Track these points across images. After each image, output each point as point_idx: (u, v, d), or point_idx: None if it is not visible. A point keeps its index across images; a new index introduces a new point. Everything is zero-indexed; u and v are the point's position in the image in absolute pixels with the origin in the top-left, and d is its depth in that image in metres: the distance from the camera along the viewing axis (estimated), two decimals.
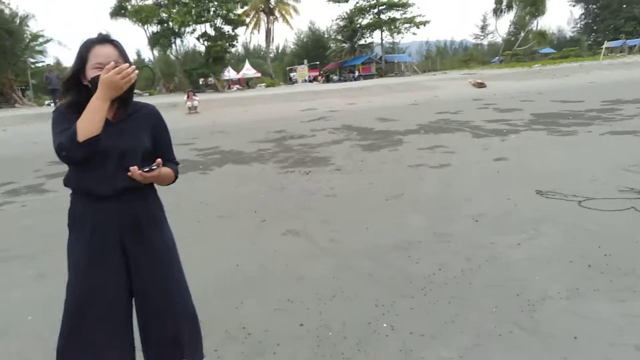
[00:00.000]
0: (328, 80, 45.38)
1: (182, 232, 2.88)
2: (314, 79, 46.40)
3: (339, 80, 44.06)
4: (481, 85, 19.80)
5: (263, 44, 48.21)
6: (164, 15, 33.14)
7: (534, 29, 53.10)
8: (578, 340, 2.49)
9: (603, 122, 9.65)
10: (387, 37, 50.07)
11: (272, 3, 41.87)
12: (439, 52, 65.66)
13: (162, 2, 33.03)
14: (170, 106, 21.53)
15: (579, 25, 74.04)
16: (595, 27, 71.37)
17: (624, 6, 66.20)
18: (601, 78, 21.72)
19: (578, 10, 73.27)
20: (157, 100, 22.33)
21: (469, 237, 4.08)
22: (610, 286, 3.04)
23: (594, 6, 71.82)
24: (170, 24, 33.37)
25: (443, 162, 7.10)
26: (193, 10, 32.01)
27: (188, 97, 19.19)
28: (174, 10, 32.13)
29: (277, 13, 42.08)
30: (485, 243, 3.90)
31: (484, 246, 3.84)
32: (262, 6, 40.84)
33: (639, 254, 3.48)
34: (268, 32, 42.68)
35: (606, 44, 52.52)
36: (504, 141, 8.45)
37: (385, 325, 2.78)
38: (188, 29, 34.92)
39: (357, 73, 44.72)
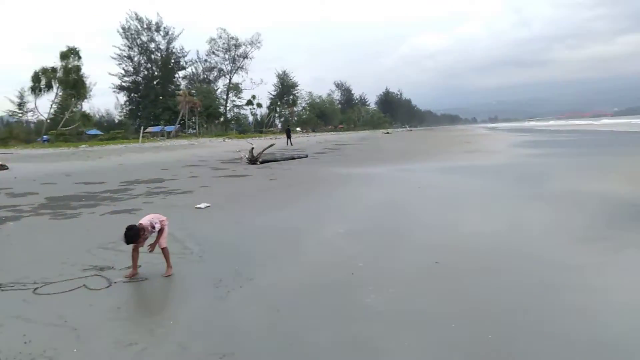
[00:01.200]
0: None
1: None
2: None
3: None
4: (2, 167, 17.96)
5: None
6: None
7: (79, 110, 54.17)
8: None
9: (110, 202, 10.47)
10: None
11: None
12: None
13: None
14: None
15: (125, 111, 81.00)
16: (139, 114, 79.91)
17: (161, 98, 77.77)
18: (132, 160, 24.06)
19: (123, 97, 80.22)
20: None
21: None
22: None
23: (136, 95, 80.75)
24: None
25: None
26: None
27: None
28: None
29: None
30: None
31: None
32: None
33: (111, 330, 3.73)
34: None
35: (148, 129, 59.52)
36: None
37: None
38: None
39: None
